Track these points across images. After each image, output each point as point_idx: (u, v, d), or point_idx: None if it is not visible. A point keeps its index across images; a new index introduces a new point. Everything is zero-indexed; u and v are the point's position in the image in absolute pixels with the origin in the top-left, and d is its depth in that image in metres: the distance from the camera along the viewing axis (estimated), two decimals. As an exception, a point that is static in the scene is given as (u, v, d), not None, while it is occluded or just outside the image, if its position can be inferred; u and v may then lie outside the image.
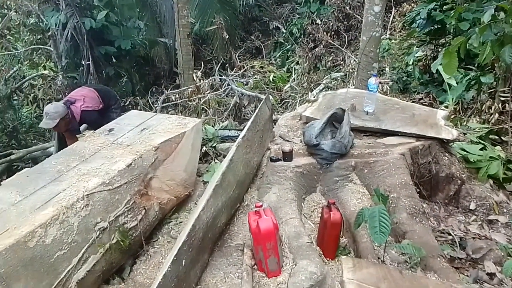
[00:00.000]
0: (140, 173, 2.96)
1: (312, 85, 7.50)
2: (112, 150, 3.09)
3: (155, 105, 7.07)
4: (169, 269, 2.05)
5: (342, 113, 3.20)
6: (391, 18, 8.47)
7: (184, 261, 2.19)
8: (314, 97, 5.70)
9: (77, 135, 3.72)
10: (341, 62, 8.02)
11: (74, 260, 2.37)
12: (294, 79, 8.09)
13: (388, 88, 5.96)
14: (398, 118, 3.44)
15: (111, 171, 2.77)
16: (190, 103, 6.35)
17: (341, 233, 2.64)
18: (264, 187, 3.14)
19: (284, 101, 6.96)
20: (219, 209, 2.63)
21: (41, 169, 2.82)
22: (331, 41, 8.42)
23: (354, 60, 7.28)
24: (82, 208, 2.47)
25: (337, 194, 3.01)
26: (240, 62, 9.25)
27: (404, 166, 2.97)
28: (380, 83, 5.42)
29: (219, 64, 9.26)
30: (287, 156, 3.12)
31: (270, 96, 4.67)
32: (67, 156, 3.00)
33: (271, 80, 6.93)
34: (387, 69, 6.86)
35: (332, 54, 8.40)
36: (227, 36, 9.11)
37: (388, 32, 8.17)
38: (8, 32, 8.16)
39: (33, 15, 7.84)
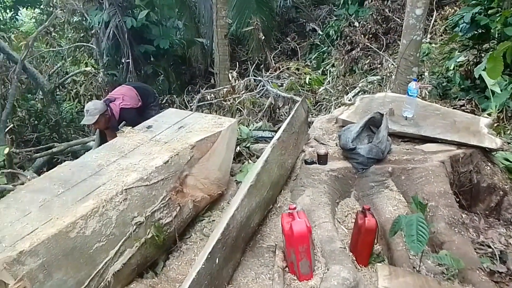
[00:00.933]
0: (177, 170, 3.01)
1: (347, 88, 7.40)
2: (150, 146, 3.16)
3: (191, 104, 7.18)
4: (203, 266, 2.08)
5: (380, 117, 3.14)
6: (432, 21, 8.23)
7: (217, 259, 2.21)
8: (349, 100, 5.63)
9: (117, 132, 3.84)
10: (378, 66, 7.86)
11: (111, 253, 2.45)
12: (329, 81, 8.00)
13: (427, 93, 5.80)
14: (439, 124, 3.34)
15: (149, 167, 2.84)
16: (225, 103, 6.41)
17: (375, 240, 2.59)
18: (298, 190, 3.13)
19: (318, 103, 6.91)
20: (252, 209, 2.64)
21: (82, 163, 2.93)
22: (368, 44, 8.28)
23: (392, 64, 7.13)
24: (121, 202, 2.54)
25: (372, 200, 2.96)
26: (275, 63, 9.24)
27: (443, 174, 2.89)
28: (420, 88, 5.29)
29: (254, 65, 9.30)
30: (322, 159, 3.10)
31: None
32: (108, 151, 3.09)
33: (307, 82, 6.89)
34: (426, 73, 6.67)
35: (369, 57, 8.25)
36: (263, 37, 9.12)
37: (429, 35, 7.95)
38: (53, 29, 8.50)
39: (77, 14, 8.14)
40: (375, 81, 7.16)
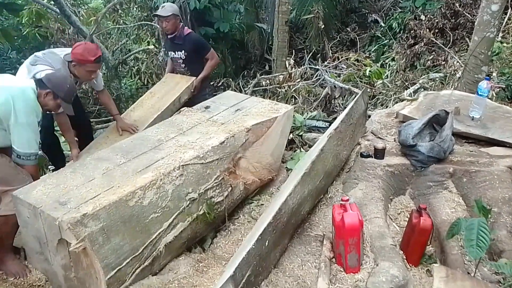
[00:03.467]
0: (231, 151, 3.06)
1: (407, 83, 7.12)
2: (207, 126, 3.22)
3: (245, 89, 7.21)
4: (253, 246, 2.11)
5: (445, 115, 3.00)
6: (506, 19, 7.70)
7: (267, 241, 2.24)
8: (409, 96, 5.42)
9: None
10: (442, 62, 7.48)
11: (165, 224, 2.54)
12: (387, 75, 7.74)
13: (494, 94, 5.46)
14: (509, 128, 3.14)
15: (206, 146, 2.90)
16: (280, 89, 6.38)
17: (429, 240, 2.52)
18: (351, 182, 3.08)
19: (375, 97, 6.71)
20: (304, 197, 2.63)
21: (144, 136, 3.04)
22: (433, 39, 7.90)
23: (458, 62, 6.77)
24: (177, 177, 2.63)
25: (429, 200, 2.86)
26: (332, 53, 9.05)
27: (510, 180, 2.72)
28: (492, 87, 4.96)
29: (311, 54, 9.16)
30: (379, 153, 3.03)
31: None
32: (167, 127, 3.19)
33: (366, 74, 6.70)
34: (494, 74, 6.28)
35: (433, 53, 7.86)
36: (323, 26, 8.93)
37: (501, 34, 7.45)
38: (120, 7, 8.79)
39: (144, -8, 8.38)
40: (437, 78, 6.83)
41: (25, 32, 7.52)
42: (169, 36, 4.38)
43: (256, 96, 6.61)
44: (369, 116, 3.99)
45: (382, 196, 2.92)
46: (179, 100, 4.15)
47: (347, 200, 2.46)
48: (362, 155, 3.10)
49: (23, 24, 7.44)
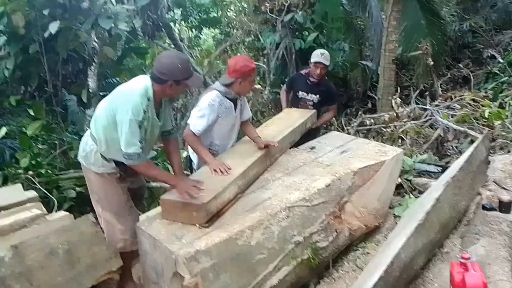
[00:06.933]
0: (337, 195, 3.00)
1: (532, 125, 6.37)
2: (313, 167, 3.22)
3: (347, 127, 7.10)
4: (363, 302, 2.00)
5: None
6: None
7: (378, 297, 2.11)
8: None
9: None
10: None
11: (270, 266, 2.54)
12: (507, 116, 7.02)
13: None
14: None
15: (311, 188, 2.89)
16: (386, 129, 6.15)
17: None
18: (471, 237, 2.79)
19: (494, 140, 6.09)
20: (418, 250, 2.45)
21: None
22: None
23: None
24: (284, 218, 2.64)
25: None
26: (442, 91, 8.53)
27: None
28: None
29: (417, 91, 8.75)
30: (505, 206, 2.73)
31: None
32: (274, 166, 3.26)
33: (485, 115, 6.14)
34: None
35: None
36: (432, 63, 8.51)
37: None
38: (229, 48, 9.43)
39: (252, 35, 8.87)
40: None
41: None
42: (311, 79, 4.51)
43: (358, 135, 6.47)
44: (489, 162, 3.63)
45: (508, 256, 2.58)
46: (305, 125, 4.17)
47: (469, 258, 2.23)
48: (484, 208, 2.82)
49: (145, 64, 8.33)
